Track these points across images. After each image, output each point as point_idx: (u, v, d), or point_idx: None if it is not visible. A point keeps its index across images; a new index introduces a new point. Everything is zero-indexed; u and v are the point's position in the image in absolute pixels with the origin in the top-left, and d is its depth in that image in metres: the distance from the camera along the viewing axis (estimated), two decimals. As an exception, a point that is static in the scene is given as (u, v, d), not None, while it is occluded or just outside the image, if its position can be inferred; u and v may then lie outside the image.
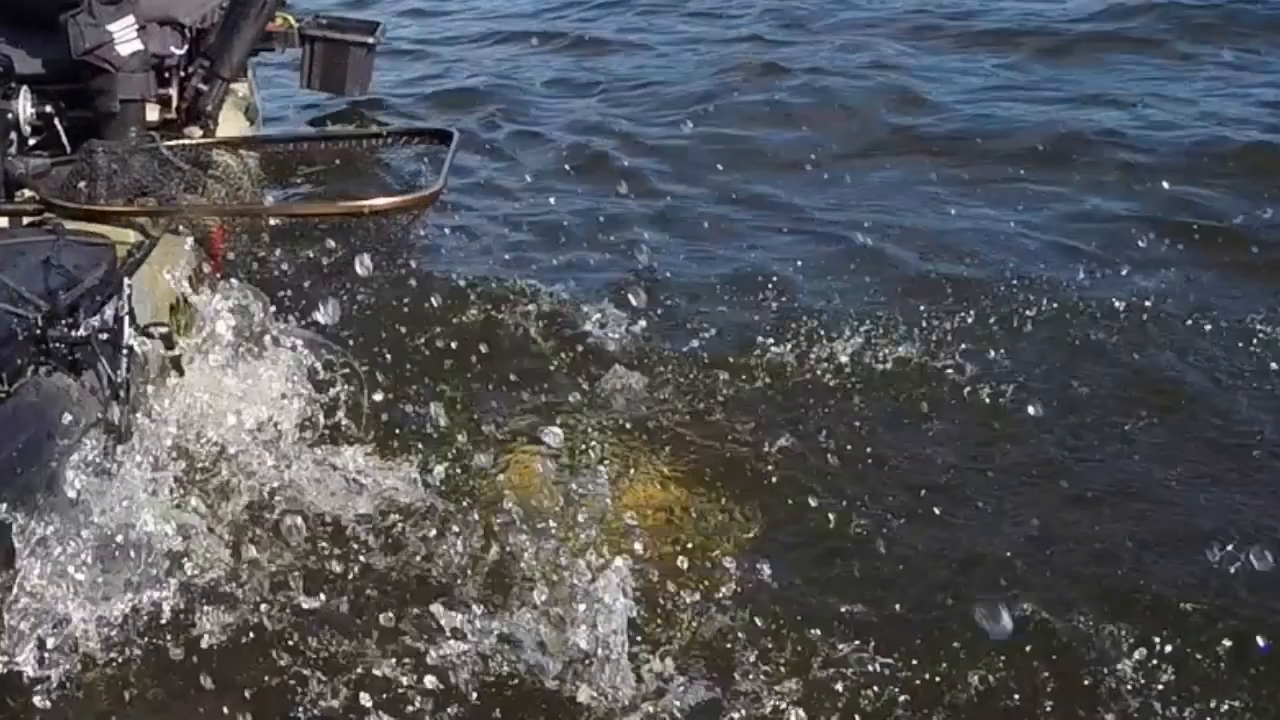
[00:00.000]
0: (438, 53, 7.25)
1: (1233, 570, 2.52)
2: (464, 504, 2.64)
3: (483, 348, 3.37)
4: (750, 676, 2.24)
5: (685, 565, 2.52)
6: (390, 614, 2.35)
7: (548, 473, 2.79)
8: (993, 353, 3.24)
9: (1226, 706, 2.21)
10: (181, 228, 3.24)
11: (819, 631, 2.34)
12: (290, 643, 2.29)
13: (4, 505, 2.17)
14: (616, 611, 2.31)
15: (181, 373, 2.83)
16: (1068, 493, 2.81)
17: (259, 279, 3.45)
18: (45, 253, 2.66)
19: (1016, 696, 2.23)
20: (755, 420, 3.03)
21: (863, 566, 2.55)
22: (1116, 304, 3.52)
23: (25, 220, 3.08)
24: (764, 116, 5.52)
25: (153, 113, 3.55)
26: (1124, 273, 3.82)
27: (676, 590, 2.44)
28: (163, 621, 2.29)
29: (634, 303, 3.59)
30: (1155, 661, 2.27)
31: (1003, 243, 4.07)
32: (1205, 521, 2.66)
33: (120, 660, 2.23)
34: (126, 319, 2.51)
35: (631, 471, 2.83)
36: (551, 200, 4.69)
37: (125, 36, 3.30)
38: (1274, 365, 3.27)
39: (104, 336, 2.46)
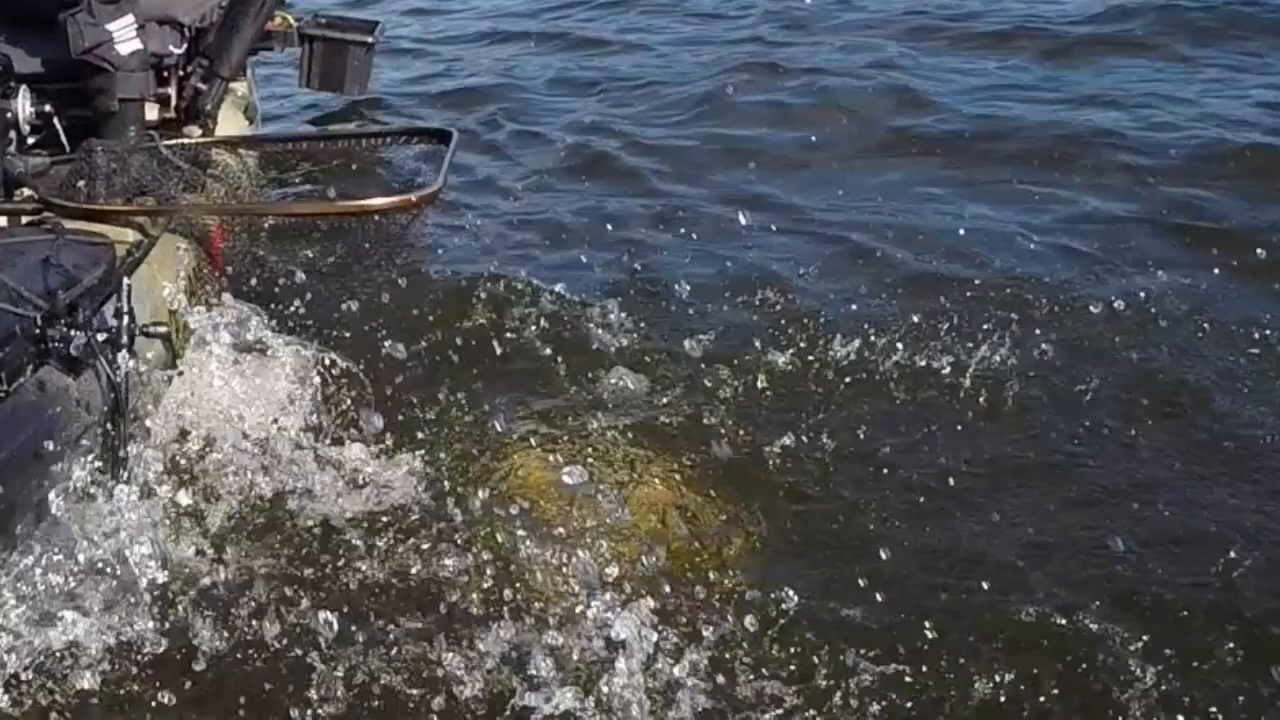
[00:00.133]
0: (438, 52, 7.25)
1: (1234, 570, 2.52)
2: (469, 507, 2.63)
3: (483, 348, 3.37)
4: (755, 678, 2.24)
5: (691, 566, 2.52)
6: (395, 620, 2.34)
7: (552, 475, 2.78)
8: (993, 353, 3.23)
9: (1228, 706, 2.21)
10: (180, 227, 3.25)
11: (824, 633, 2.34)
12: (291, 650, 2.27)
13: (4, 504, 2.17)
14: (623, 616, 2.30)
15: (180, 372, 2.82)
16: (1069, 493, 2.80)
17: (257, 279, 3.44)
18: (44, 252, 2.66)
19: (1019, 696, 2.22)
20: (757, 420, 3.02)
21: (865, 567, 2.54)
22: (1117, 304, 3.52)
23: (24, 219, 3.08)
24: (764, 116, 5.52)
25: (152, 112, 3.54)
26: (1124, 273, 3.82)
27: (683, 592, 2.43)
28: (160, 625, 2.27)
29: (635, 302, 3.59)
30: (1157, 661, 2.27)
31: (1003, 243, 4.06)
32: (1207, 522, 2.66)
33: (118, 665, 2.21)
34: (126, 318, 2.50)
35: (636, 472, 2.83)
36: (552, 200, 4.69)
37: (124, 35, 3.30)
38: (1275, 366, 3.27)
39: (103, 336, 2.46)
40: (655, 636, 2.29)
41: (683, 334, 3.48)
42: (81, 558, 2.32)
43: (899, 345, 3.32)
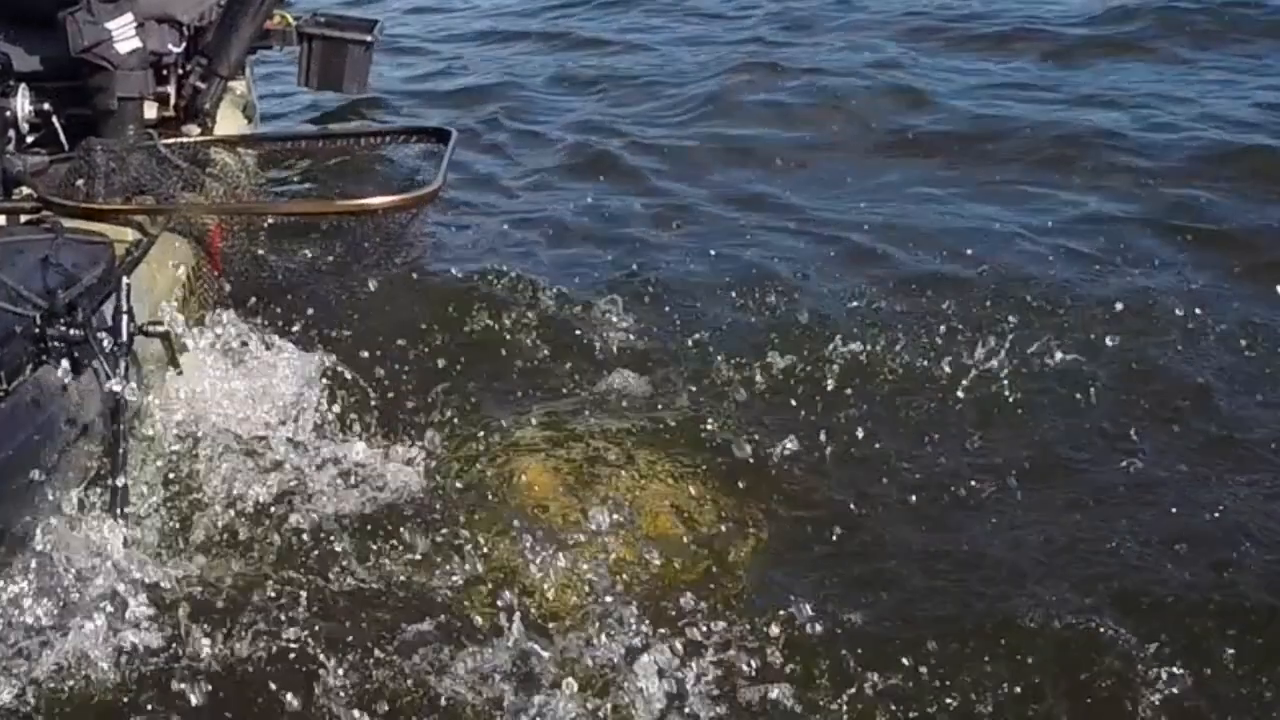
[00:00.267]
0: (438, 50, 7.25)
1: (1235, 570, 2.52)
2: (470, 510, 2.62)
3: (483, 348, 3.36)
4: (757, 680, 2.23)
5: (694, 568, 2.51)
6: (396, 624, 2.32)
7: (554, 477, 2.77)
8: (993, 353, 3.23)
9: (1229, 706, 2.21)
10: (179, 226, 3.24)
11: (827, 635, 2.33)
12: (290, 655, 2.25)
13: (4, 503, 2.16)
14: (626, 620, 2.30)
15: (180, 371, 2.82)
16: (1070, 493, 2.80)
17: (256, 278, 3.44)
18: (43, 251, 2.65)
19: (1022, 697, 2.22)
20: (758, 421, 3.02)
21: (867, 568, 2.55)
22: (1117, 305, 3.52)
23: (23, 218, 3.07)
24: (765, 116, 5.52)
25: (151, 110, 3.54)
26: (1124, 274, 3.81)
27: (686, 595, 2.42)
28: (156, 632, 2.24)
29: (635, 302, 3.59)
30: (1159, 661, 2.26)
31: (1003, 243, 4.06)
32: (1207, 522, 2.65)
33: (119, 666, 2.19)
34: (125, 317, 2.49)
35: (638, 474, 2.82)
36: (552, 199, 4.69)
37: (123, 34, 3.30)
38: (1275, 366, 3.26)
39: (102, 335, 2.45)
40: (658, 640, 2.28)
41: (683, 334, 3.48)
42: (80, 560, 2.31)
43: (899, 345, 3.32)
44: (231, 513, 2.56)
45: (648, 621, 2.33)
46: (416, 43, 7.47)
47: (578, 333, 3.46)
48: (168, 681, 2.17)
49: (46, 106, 3.35)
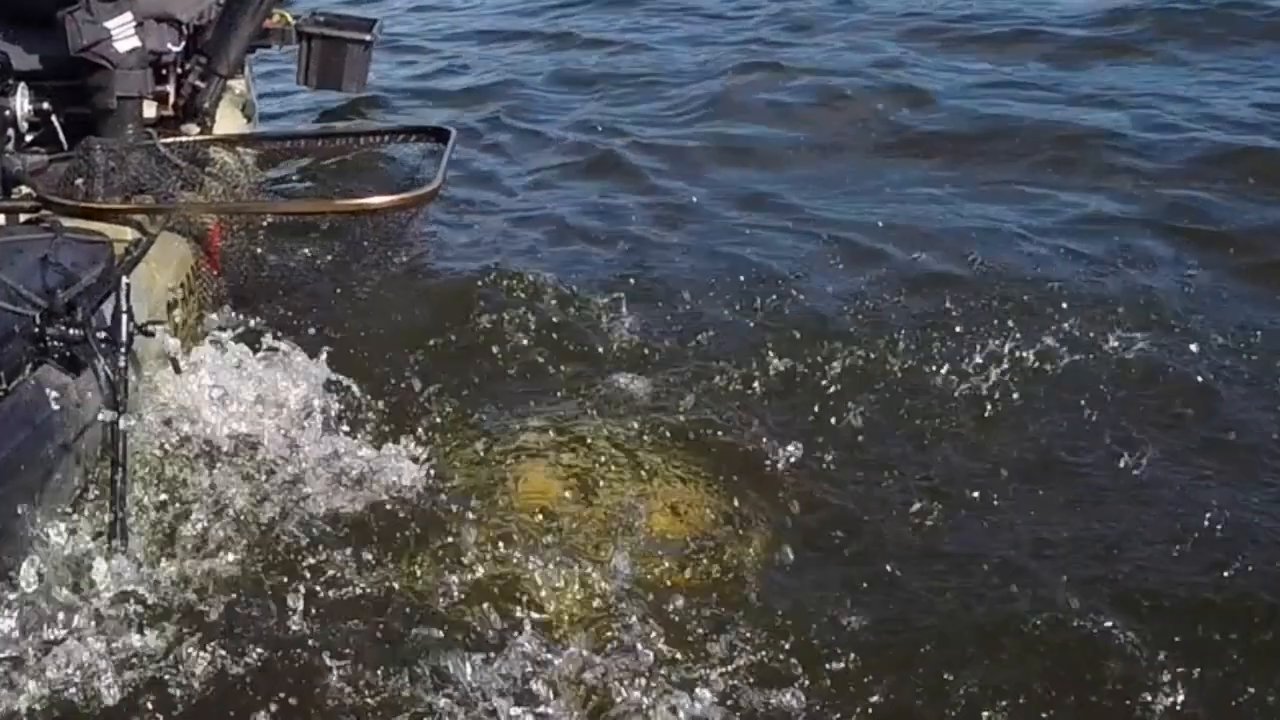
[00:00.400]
0: (438, 49, 7.25)
1: (1235, 570, 2.51)
2: (471, 512, 2.61)
3: (484, 348, 3.36)
4: (759, 681, 2.23)
5: (695, 569, 2.51)
6: (397, 627, 2.31)
7: (556, 478, 2.76)
8: (994, 353, 3.23)
9: (1230, 706, 2.21)
10: (179, 225, 3.24)
11: (830, 637, 2.33)
12: (289, 658, 2.24)
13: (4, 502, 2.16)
14: (628, 621, 2.30)
15: (179, 370, 2.82)
16: (1071, 493, 2.80)
17: (256, 278, 3.43)
18: (43, 250, 2.66)
19: (1024, 698, 2.21)
20: (759, 422, 3.01)
21: (869, 568, 2.54)
22: (1117, 305, 3.52)
23: (23, 217, 3.07)
24: (765, 116, 5.52)
25: (150, 110, 3.54)
26: (1124, 274, 3.81)
27: (688, 596, 2.41)
28: (154, 634, 2.24)
29: (636, 302, 3.58)
30: (1159, 661, 2.26)
31: (1003, 243, 4.06)
32: (1208, 521, 2.65)
33: (112, 676, 2.18)
34: (125, 317, 2.49)
35: (639, 475, 2.81)
36: (553, 198, 4.69)
37: (123, 33, 3.30)
38: (1275, 366, 3.26)
39: (102, 334, 2.45)
40: (660, 642, 2.28)
41: (684, 334, 3.48)
42: (78, 560, 2.31)
43: (900, 345, 3.32)
44: (229, 515, 2.55)
45: (649, 623, 2.32)
46: (416, 41, 7.47)
47: (578, 333, 3.46)
48: (165, 686, 2.16)
49: (46, 105, 3.35)
